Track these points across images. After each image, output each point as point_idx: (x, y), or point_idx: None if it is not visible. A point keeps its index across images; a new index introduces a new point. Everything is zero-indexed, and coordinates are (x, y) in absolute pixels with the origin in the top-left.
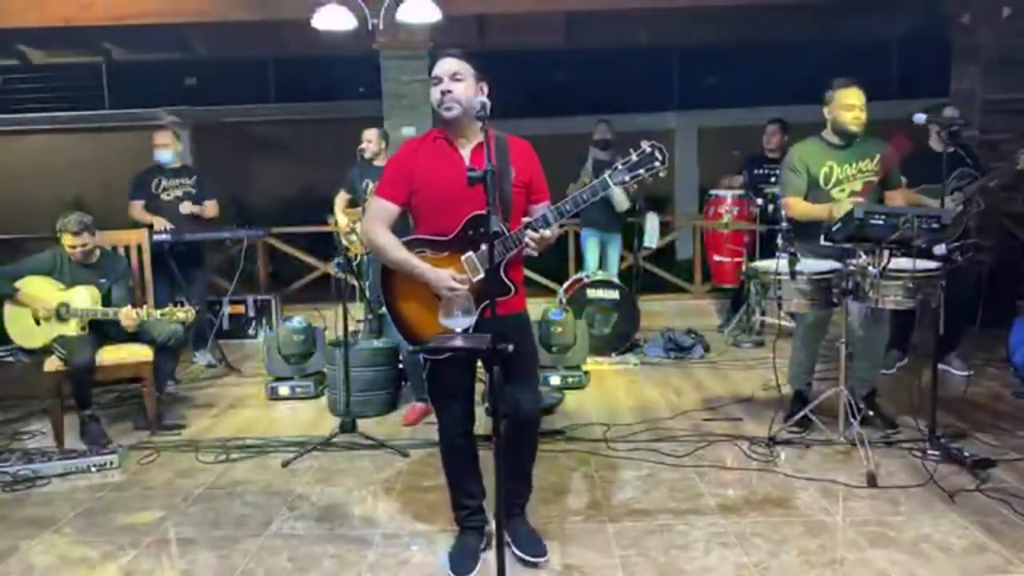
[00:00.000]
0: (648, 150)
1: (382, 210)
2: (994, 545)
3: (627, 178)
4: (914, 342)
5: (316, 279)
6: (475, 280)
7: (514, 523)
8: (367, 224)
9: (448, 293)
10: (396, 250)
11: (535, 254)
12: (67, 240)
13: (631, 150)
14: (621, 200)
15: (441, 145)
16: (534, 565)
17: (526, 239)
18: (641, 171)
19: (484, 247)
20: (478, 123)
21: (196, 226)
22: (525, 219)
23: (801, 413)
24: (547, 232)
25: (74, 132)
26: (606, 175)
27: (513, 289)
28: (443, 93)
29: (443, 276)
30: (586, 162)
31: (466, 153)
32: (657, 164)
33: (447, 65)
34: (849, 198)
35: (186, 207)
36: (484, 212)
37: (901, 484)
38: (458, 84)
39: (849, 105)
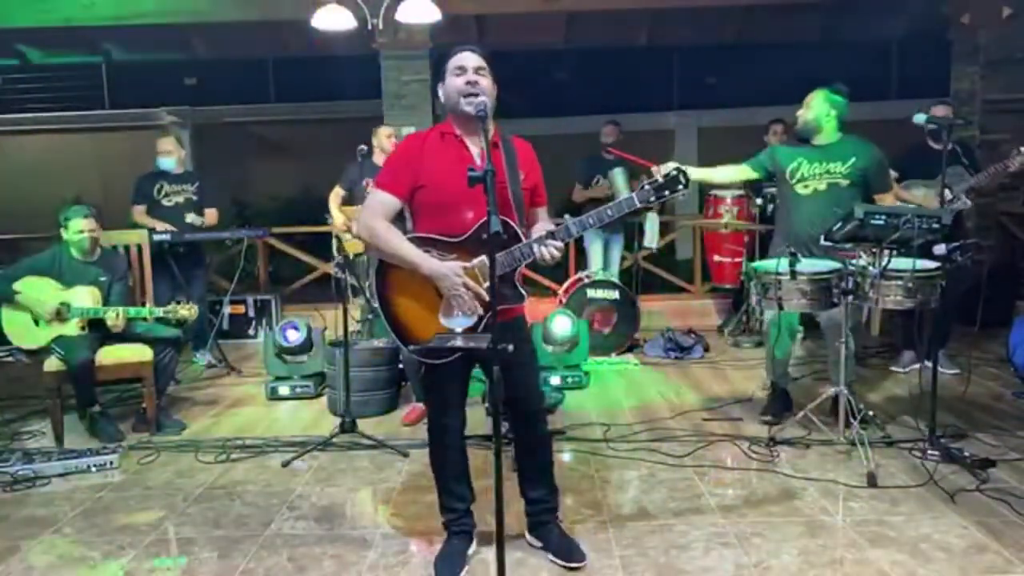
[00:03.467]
0: (674, 173)
1: (382, 203)
2: (994, 545)
3: (652, 198)
4: None
5: (316, 279)
6: (487, 285)
7: (546, 530)
8: (365, 216)
9: (458, 285)
10: (399, 243)
11: (550, 264)
12: (77, 225)
13: (655, 169)
14: (651, 232)
15: (451, 141)
16: (574, 570)
17: (551, 249)
18: (666, 192)
19: (504, 252)
20: (489, 122)
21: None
22: (547, 228)
23: (801, 413)
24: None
25: (74, 132)
26: (633, 194)
27: (525, 296)
28: (469, 83)
29: (454, 267)
30: (603, 169)
31: (476, 152)
32: (681, 187)
33: (472, 59)
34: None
35: (191, 218)
36: (502, 217)
37: (901, 484)
38: (483, 79)
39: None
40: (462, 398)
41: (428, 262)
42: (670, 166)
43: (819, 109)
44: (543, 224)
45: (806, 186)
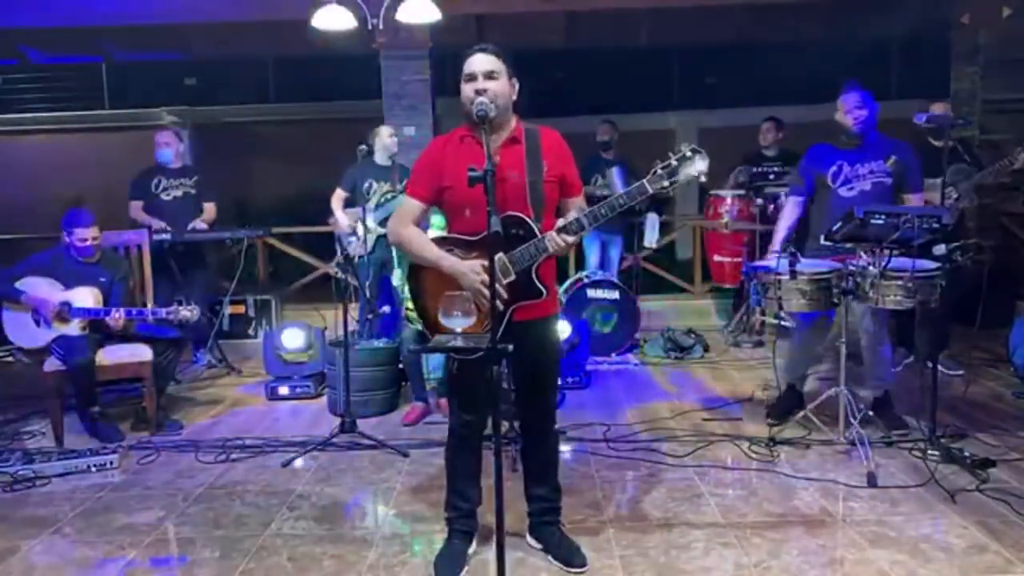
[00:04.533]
0: (688, 154)
1: (408, 208)
2: (994, 545)
3: (666, 183)
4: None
5: (316, 279)
6: (505, 282)
7: (547, 532)
8: (393, 222)
9: (476, 282)
10: (422, 245)
11: (560, 255)
12: (81, 233)
13: (670, 153)
14: (651, 232)
15: (469, 143)
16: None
17: (560, 242)
18: (680, 176)
19: (519, 248)
20: (506, 118)
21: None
22: (559, 221)
23: (801, 413)
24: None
25: (74, 132)
26: (644, 180)
27: (544, 292)
28: (477, 92)
29: (473, 265)
30: (602, 169)
31: (494, 149)
32: (697, 168)
33: (482, 62)
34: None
35: (198, 224)
36: (516, 213)
37: (901, 484)
38: (493, 83)
39: (846, 108)
40: (487, 398)
41: (448, 261)
42: (685, 147)
43: (869, 107)
44: (574, 214)
45: (851, 188)
